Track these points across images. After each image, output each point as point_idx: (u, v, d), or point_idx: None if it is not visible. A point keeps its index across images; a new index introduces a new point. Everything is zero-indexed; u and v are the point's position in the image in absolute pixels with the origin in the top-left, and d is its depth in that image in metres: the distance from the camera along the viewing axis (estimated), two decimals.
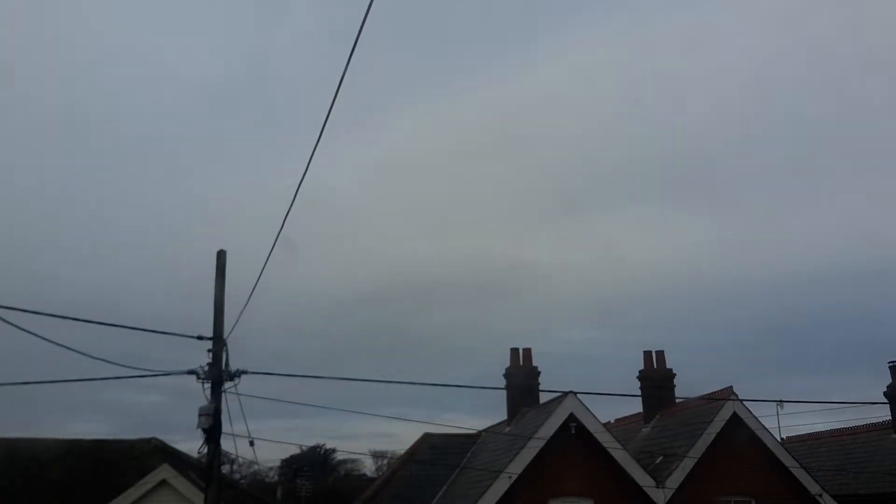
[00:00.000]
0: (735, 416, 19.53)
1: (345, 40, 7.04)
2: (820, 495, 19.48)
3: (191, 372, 12.62)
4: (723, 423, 19.38)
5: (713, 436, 19.21)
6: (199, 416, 12.38)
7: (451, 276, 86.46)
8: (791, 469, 19.64)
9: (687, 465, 18.78)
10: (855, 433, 25.83)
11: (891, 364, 24.03)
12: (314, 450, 55.52)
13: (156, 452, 19.40)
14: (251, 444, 13.45)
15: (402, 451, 26.12)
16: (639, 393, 22.97)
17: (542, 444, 18.17)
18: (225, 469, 19.96)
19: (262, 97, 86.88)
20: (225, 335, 13.03)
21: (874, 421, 25.14)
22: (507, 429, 21.98)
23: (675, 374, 23.29)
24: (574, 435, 18.63)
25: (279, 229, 11.87)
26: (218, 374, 12.73)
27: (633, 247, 77.35)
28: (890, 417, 24.04)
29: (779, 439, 22.23)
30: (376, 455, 54.97)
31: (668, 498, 18.35)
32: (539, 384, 22.55)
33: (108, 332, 11.24)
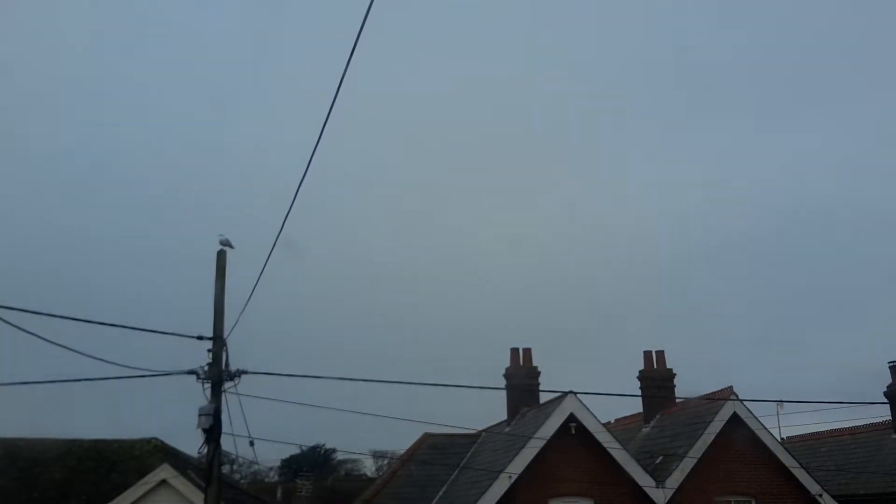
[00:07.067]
0: (735, 415, 19.52)
1: (346, 38, 7.05)
2: (820, 495, 19.47)
3: (191, 372, 12.63)
4: (723, 423, 19.36)
5: (713, 436, 19.20)
6: (199, 416, 12.40)
7: None
8: (791, 469, 19.63)
9: (687, 465, 18.77)
10: (855, 433, 25.81)
11: (891, 364, 24.02)
12: (314, 450, 55.45)
13: (156, 452, 19.40)
14: (251, 444, 13.46)
15: (402, 451, 26.11)
16: (639, 393, 22.99)
17: (542, 444, 18.16)
18: (225, 469, 19.95)
19: (263, 96, 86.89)
20: (225, 335, 13.04)
21: (874, 421, 25.16)
22: (507, 429, 21.98)
23: (675, 374, 23.31)
24: (574, 435, 18.63)
25: (279, 229, 11.89)
26: (218, 374, 12.75)
27: None
28: (890, 417, 24.03)
29: (779, 439, 22.22)
30: (376, 455, 54.88)
31: (668, 498, 18.35)
32: (539, 384, 22.56)
33: (109, 331, 11.25)
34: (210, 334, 12.92)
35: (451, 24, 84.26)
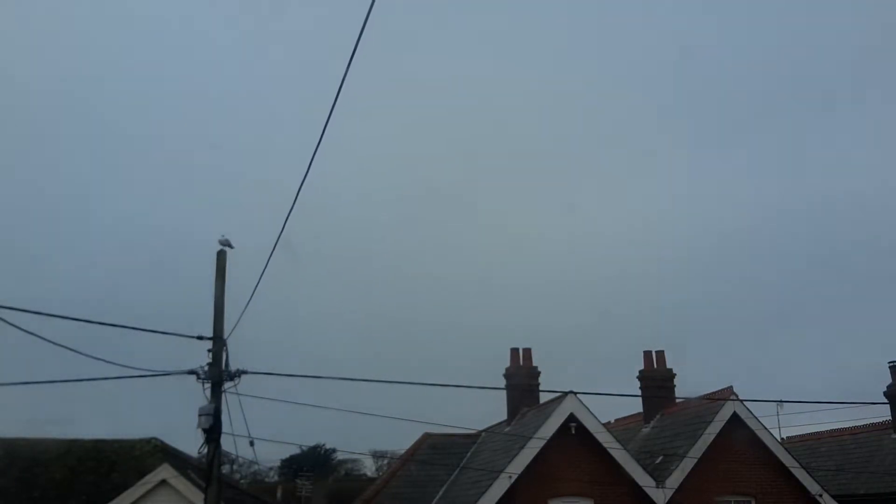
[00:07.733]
0: (735, 416, 19.52)
1: (346, 40, 7.06)
2: (820, 495, 19.48)
3: (191, 372, 12.64)
4: (723, 423, 19.37)
5: (713, 436, 19.21)
6: (199, 416, 12.41)
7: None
8: (791, 469, 19.64)
9: (687, 465, 18.77)
10: (855, 433, 25.81)
11: (891, 364, 24.02)
12: (314, 450, 55.43)
13: (156, 452, 19.42)
14: (251, 444, 13.47)
15: (402, 451, 26.12)
16: (639, 393, 22.99)
17: (542, 444, 18.17)
18: (225, 469, 19.96)
19: (264, 95, 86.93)
20: (225, 335, 13.05)
21: (874, 421, 25.15)
22: (507, 429, 21.98)
23: (675, 374, 23.31)
24: (574, 435, 18.63)
25: (280, 230, 11.89)
26: (218, 374, 12.76)
27: None
28: (890, 417, 24.03)
29: (779, 439, 22.22)
30: (376, 455, 54.89)
31: (668, 498, 18.35)
32: (539, 384, 22.57)
33: (109, 332, 11.25)
34: (210, 334, 12.92)
35: (452, 25, 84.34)
